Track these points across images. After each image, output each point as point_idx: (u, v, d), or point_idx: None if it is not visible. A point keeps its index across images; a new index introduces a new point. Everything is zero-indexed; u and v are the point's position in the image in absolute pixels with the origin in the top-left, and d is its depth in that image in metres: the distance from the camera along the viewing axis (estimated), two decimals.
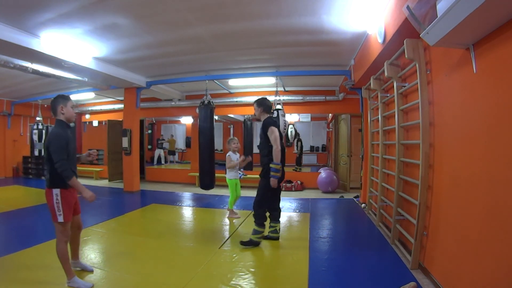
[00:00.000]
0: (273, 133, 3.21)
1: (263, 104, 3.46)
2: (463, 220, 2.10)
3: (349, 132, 7.24)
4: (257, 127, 12.72)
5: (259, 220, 3.32)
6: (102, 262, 2.92)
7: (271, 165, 3.17)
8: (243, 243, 3.31)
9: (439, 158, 2.55)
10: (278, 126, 3.36)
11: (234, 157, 4.57)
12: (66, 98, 2.37)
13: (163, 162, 12.52)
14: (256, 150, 12.28)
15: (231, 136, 11.60)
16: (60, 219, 2.27)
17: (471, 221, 2.00)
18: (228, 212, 4.71)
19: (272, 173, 3.16)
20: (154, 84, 7.00)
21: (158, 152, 12.28)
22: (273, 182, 3.18)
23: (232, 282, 2.49)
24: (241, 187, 4.79)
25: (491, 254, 1.75)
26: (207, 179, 5.78)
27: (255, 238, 3.31)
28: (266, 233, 3.46)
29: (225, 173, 4.64)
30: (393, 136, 3.75)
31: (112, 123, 8.73)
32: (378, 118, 4.22)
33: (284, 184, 7.52)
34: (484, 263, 1.82)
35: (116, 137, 8.16)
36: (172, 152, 12.89)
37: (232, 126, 13.05)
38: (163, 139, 12.70)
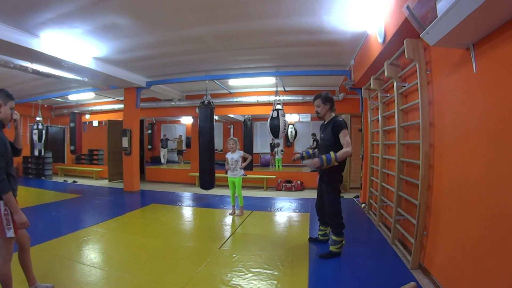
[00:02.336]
0: (346, 136, 2.90)
1: (330, 99, 3.09)
2: (463, 220, 2.10)
3: (349, 132, 7.23)
4: (257, 127, 12.73)
5: (338, 229, 3.02)
6: (102, 262, 2.92)
7: (331, 153, 2.82)
8: (322, 256, 3.03)
9: (439, 158, 2.55)
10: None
11: (229, 157, 4.67)
12: (8, 97, 2.06)
13: (164, 161, 12.67)
14: (256, 150, 12.41)
15: (231, 136, 11.65)
16: (10, 233, 1.93)
17: (471, 221, 2.00)
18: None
19: (324, 157, 2.81)
20: (154, 84, 7.00)
21: (163, 151, 12.44)
22: (315, 161, 2.87)
23: (232, 282, 2.49)
24: (242, 187, 4.81)
25: (491, 254, 1.75)
26: (207, 179, 5.79)
27: (335, 249, 3.03)
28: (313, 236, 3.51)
29: (225, 173, 4.75)
30: (393, 136, 3.75)
31: (112, 123, 8.73)
32: (378, 118, 4.22)
33: (284, 184, 7.53)
34: (484, 263, 1.82)
35: (116, 137, 8.15)
36: (180, 152, 13.10)
37: (232, 126, 13.05)
38: (167, 138, 12.86)
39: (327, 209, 3.10)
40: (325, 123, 3.17)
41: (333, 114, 3.14)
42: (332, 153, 2.84)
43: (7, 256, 1.97)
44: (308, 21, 3.84)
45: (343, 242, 3.09)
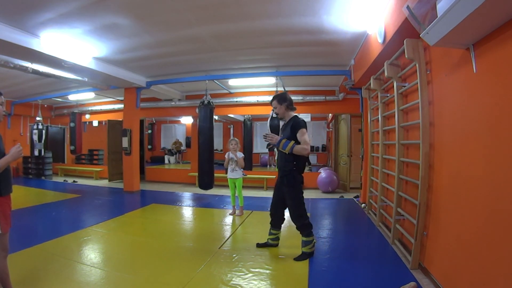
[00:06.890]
0: (305, 135, 2.85)
1: (285, 99, 3.02)
2: (463, 220, 2.10)
3: (349, 132, 7.24)
4: (257, 127, 12.73)
5: (306, 230, 3.01)
6: (102, 262, 2.92)
7: (292, 142, 2.82)
8: (297, 259, 2.98)
9: (439, 158, 2.55)
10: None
11: (228, 157, 4.66)
12: None
13: (166, 161, 13.11)
14: (256, 150, 12.41)
15: (231, 137, 11.72)
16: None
17: (471, 221, 2.00)
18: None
19: (284, 140, 2.85)
20: (154, 84, 7.00)
21: (168, 158, 13.19)
22: (276, 137, 2.89)
23: (232, 282, 2.49)
24: (242, 187, 4.81)
25: (491, 254, 1.75)
26: (206, 179, 5.79)
27: (308, 249, 3.02)
28: (265, 239, 3.35)
29: (225, 173, 4.76)
30: (393, 136, 3.75)
31: (112, 123, 8.72)
32: (378, 118, 4.22)
33: None
34: (484, 263, 1.82)
35: (116, 137, 8.15)
36: (178, 152, 13.53)
37: (232, 126, 13.06)
38: (170, 149, 13.45)
39: (292, 212, 3.03)
40: (285, 122, 3.11)
41: (292, 113, 3.09)
42: (292, 142, 2.85)
43: (3, 252, 2.00)
44: (308, 21, 3.84)
45: (314, 241, 3.10)
